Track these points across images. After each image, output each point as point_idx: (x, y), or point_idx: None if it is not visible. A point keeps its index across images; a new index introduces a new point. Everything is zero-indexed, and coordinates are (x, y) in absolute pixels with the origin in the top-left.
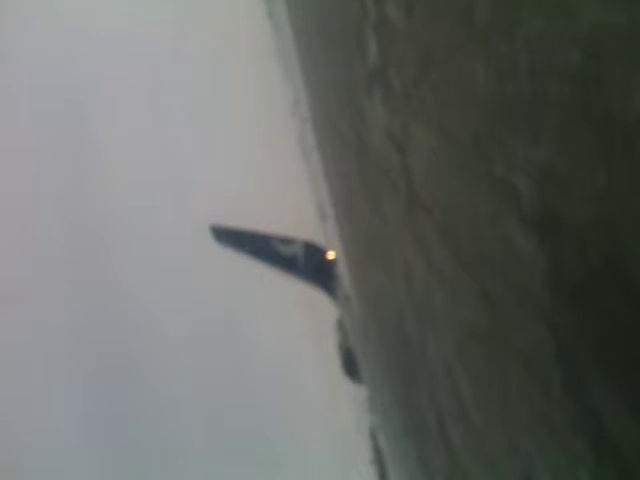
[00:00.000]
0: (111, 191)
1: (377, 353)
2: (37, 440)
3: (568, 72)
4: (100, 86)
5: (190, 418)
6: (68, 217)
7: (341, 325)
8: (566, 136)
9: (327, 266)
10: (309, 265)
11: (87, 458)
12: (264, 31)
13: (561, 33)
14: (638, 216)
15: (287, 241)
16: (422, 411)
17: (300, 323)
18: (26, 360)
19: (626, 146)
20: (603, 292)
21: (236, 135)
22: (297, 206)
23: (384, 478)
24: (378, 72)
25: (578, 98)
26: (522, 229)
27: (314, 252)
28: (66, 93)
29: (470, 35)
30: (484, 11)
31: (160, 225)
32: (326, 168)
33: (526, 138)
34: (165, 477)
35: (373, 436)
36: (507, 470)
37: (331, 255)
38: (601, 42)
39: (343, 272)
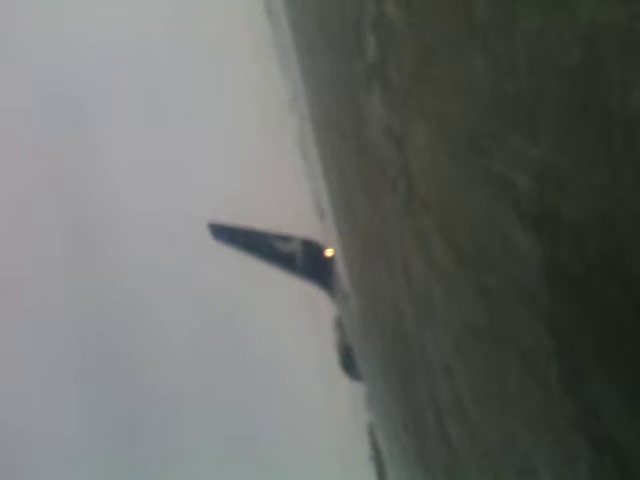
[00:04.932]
0: (109, 188)
1: (375, 350)
2: (35, 438)
3: (567, 69)
4: (97, 84)
5: (187, 415)
6: (65, 214)
7: (339, 322)
8: (565, 133)
9: (325, 263)
10: (307, 263)
11: (84, 456)
12: (262, 28)
13: (560, 30)
14: (637, 213)
15: (285, 238)
16: (421, 408)
17: (298, 320)
18: (24, 357)
19: (625, 143)
20: (602, 289)
21: (234, 132)
22: (295, 203)
23: (382, 475)
24: (377, 69)
25: (577, 95)
26: (521, 226)
27: (312, 250)
28: (64, 90)
29: (469, 31)
30: (483, 7)
31: (158, 222)
32: (324, 165)
33: (525, 135)
34: (161, 475)
35: (371, 433)
36: (506, 466)
37: (329, 252)
38: (600, 39)
39: (341, 269)
